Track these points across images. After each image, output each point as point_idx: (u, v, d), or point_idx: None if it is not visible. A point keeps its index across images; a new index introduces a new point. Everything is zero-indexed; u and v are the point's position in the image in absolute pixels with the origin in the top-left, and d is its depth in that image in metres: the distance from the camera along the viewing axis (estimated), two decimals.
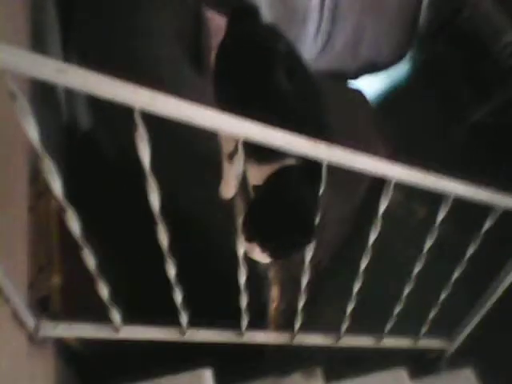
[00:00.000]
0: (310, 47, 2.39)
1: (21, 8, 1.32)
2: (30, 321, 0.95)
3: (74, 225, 0.76)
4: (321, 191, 0.87)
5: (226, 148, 1.07)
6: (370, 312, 1.47)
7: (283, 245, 0.90)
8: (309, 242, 0.93)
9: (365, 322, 1.41)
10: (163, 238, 0.83)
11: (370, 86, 2.66)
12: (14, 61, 0.56)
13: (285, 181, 0.89)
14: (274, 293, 1.35)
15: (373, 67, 2.64)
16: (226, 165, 1.13)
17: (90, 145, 1.49)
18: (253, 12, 1.12)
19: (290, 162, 0.88)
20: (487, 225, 1.11)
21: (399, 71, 2.86)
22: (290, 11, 2.37)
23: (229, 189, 1.19)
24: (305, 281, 1.10)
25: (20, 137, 0.67)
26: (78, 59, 1.38)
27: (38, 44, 1.41)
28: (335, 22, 2.48)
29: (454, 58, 3.09)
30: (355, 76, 2.53)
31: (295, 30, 2.41)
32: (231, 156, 1.08)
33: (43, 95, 1.32)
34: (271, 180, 0.89)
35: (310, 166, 0.87)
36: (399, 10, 2.63)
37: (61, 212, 0.77)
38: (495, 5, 2.81)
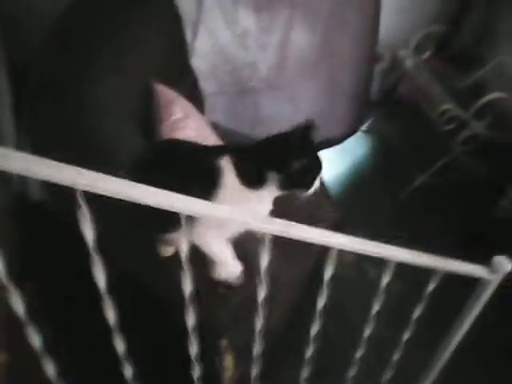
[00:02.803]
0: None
1: None
2: None
3: (19, 304, 0.75)
4: (267, 260, 0.89)
5: None
6: (326, 376, 1.47)
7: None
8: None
9: None
10: (110, 314, 0.83)
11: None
12: None
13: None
14: (228, 361, 1.34)
15: (327, 143, 2.75)
16: None
17: (40, 215, 1.48)
18: None
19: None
20: (430, 287, 1.15)
21: (348, 142, 3.02)
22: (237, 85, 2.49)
23: (168, 248, 1.35)
24: (257, 348, 1.10)
25: None
26: (30, 139, 1.40)
27: None
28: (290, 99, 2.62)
29: (398, 127, 3.30)
30: None
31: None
32: None
33: None
34: None
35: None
36: (351, 86, 2.78)
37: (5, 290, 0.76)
38: (431, 77, 3.03)
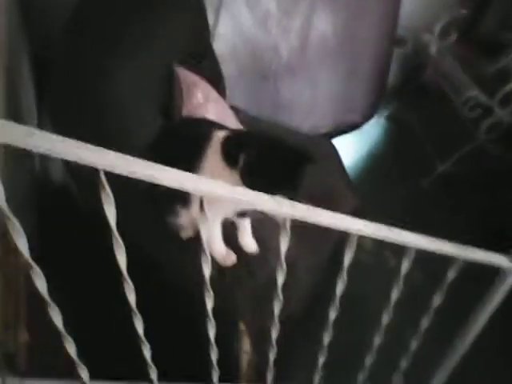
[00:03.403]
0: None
1: None
2: None
3: (41, 283, 0.76)
4: (286, 245, 0.89)
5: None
6: (343, 363, 1.46)
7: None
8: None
9: (338, 373, 1.40)
10: (130, 295, 0.84)
11: (342, 143, 2.75)
12: None
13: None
14: (246, 345, 1.35)
15: (345, 127, 2.73)
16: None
17: (62, 198, 1.50)
18: None
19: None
20: (450, 276, 1.13)
21: (370, 129, 2.99)
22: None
23: (189, 230, 1.34)
24: (275, 334, 1.10)
25: None
26: (52, 123, 1.41)
27: (12, 107, 1.43)
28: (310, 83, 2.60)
29: (422, 113, 3.25)
30: (329, 137, 2.59)
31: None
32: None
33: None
34: None
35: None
36: (371, 70, 2.75)
37: (28, 269, 0.77)
38: (456, 63, 2.98)
